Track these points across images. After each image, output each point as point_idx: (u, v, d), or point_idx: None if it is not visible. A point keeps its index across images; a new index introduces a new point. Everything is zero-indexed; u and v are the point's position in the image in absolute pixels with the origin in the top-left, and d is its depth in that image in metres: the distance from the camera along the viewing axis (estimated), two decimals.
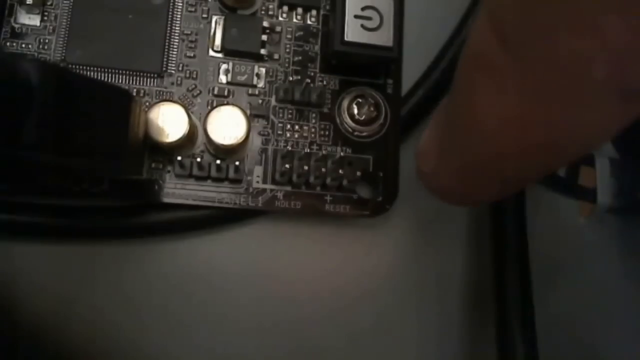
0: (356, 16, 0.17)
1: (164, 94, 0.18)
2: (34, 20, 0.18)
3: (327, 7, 0.19)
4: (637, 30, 0.09)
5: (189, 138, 0.17)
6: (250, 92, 0.18)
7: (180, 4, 0.18)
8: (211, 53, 0.18)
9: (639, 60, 0.09)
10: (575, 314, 0.20)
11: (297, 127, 0.19)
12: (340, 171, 0.18)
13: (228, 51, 0.18)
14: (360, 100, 0.19)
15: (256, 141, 0.18)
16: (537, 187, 0.19)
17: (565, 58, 0.09)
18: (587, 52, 0.09)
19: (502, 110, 0.11)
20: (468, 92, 0.12)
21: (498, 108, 0.11)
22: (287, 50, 0.19)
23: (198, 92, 0.18)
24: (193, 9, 0.18)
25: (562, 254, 0.21)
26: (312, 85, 0.19)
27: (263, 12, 0.19)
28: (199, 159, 0.17)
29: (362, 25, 0.17)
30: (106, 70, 0.18)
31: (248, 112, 0.18)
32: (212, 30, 0.18)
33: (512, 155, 0.11)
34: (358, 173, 0.18)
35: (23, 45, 0.18)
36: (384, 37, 0.17)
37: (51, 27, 0.18)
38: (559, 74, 0.10)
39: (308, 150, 0.18)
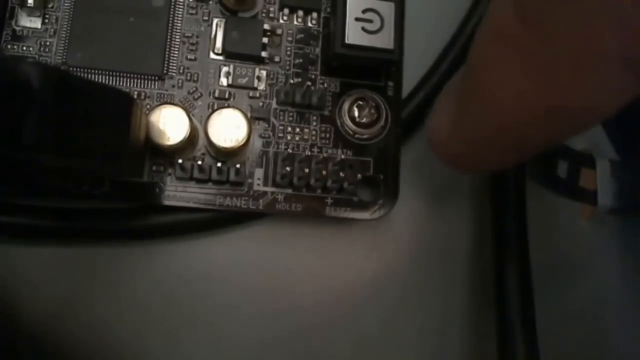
0: (357, 19, 0.17)
1: (165, 96, 0.18)
2: (35, 22, 0.18)
3: (328, 10, 0.19)
4: None
5: (190, 141, 0.17)
6: (251, 94, 0.18)
7: (181, 7, 0.18)
8: (212, 56, 0.18)
9: None
10: (576, 314, 0.20)
11: (297, 129, 0.19)
12: (341, 174, 0.18)
13: (229, 54, 0.18)
14: (361, 103, 0.19)
15: (257, 144, 0.18)
16: (538, 189, 0.19)
17: (580, 30, 0.10)
18: (601, 24, 0.10)
19: (517, 81, 0.11)
20: (485, 63, 0.12)
21: (514, 79, 0.11)
22: (288, 52, 0.19)
23: (199, 94, 0.18)
24: (194, 12, 0.18)
25: (563, 255, 0.21)
26: (312, 87, 0.19)
27: (264, 14, 0.19)
28: (199, 162, 0.17)
29: (362, 28, 0.17)
30: (107, 72, 0.18)
31: (249, 114, 0.18)
32: (213, 33, 0.18)
33: (525, 124, 0.12)
34: (359, 176, 0.18)
35: (24, 48, 0.18)
36: (384, 40, 0.17)
37: (52, 30, 0.18)
38: (573, 45, 0.10)
39: (309, 153, 0.18)
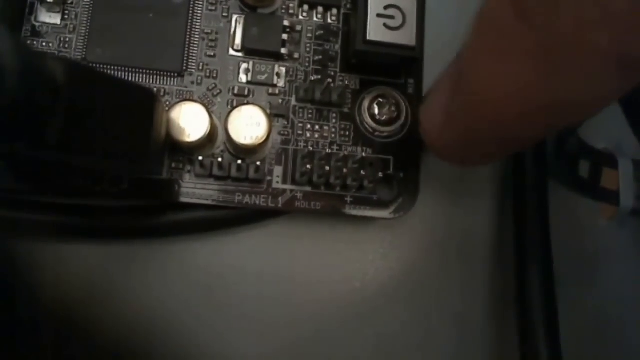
0: (379, 15, 0.17)
1: (184, 93, 0.18)
2: (54, 18, 0.18)
3: (348, 6, 0.19)
4: (636, 2, 0.09)
5: (210, 138, 0.17)
6: (270, 91, 0.18)
7: (201, 3, 0.18)
8: (231, 52, 0.18)
9: (636, 32, 0.10)
10: (598, 315, 0.20)
11: (317, 127, 0.18)
12: (361, 172, 0.18)
13: (248, 50, 0.18)
14: (381, 100, 0.18)
15: (276, 141, 0.18)
16: (560, 189, 0.19)
17: (572, 25, 0.10)
18: (592, 20, 0.10)
19: (511, 74, 0.11)
20: (479, 55, 0.13)
21: (507, 71, 0.12)
22: (308, 49, 0.19)
23: (218, 91, 0.18)
24: (213, 8, 0.18)
25: (584, 255, 0.20)
26: (332, 85, 0.19)
27: (283, 11, 0.19)
28: (219, 159, 0.17)
29: (384, 24, 0.17)
30: (126, 69, 0.17)
31: (268, 111, 0.18)
32: (233, 30, 0.18)
33: (515, 117, 0.12)
34: (379, 174, 0.18)
35: (43, 44, 0.17)
36: (406, 37, 0.17)
37: (72, 26, 0.18)
38: (566, 41, 0.10)
39: (329, 151, 0.18)
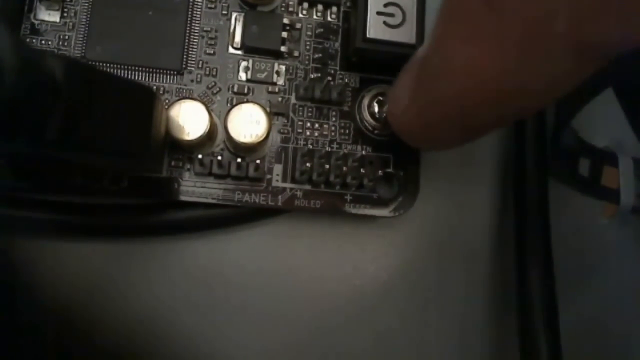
0: (378, 13, 0.17)
1: (184, 91, 0.18)
2: (53, 16, 0.18)
3: (348, 4, 0.19)
4: None
5: (209, 136, 0.17)
6: (269, 89, 0.18)
7: (200, 1, 0.18)
8: (231, 50, 0.18)
9: (594, 20, 0.10)
10: (599, 313, 0.20)
11: (317, 125, 0.18)
12: (361, 170, 0.18)
13: (248, 48, 0.18)
14: (381, 99, 0.18)
15: (276, 139, 0.18)
16: (560, 188, 0.19)
17: (533, 12, 0.10)
18: (553, 8, 0.10)
19: (472, 56, 0.12)
20: (443, 38, 0.13)
21: (469, 54, 0.12)
22: (307, 47, 0.19)
23: (218, 89, 0.18)
24: (213, 6, 0.18)
25: (586, 254, 0.20)
26: (332, 82, 0.19)
27: (283, 8, 0.19)
28: (219, 157, 0.17)
29: (384, 22, 0.17)
30: (126, 67, 0.17)
31: (268, 109, 0.18)
32: (232, 27, 0.18)
33: (475, 99, 0.12)
34: (379, 172, 0.18)
35: (43, 42, 0.17)
36: (406, 34, 0.17)
37: (71, 24, 0.18)
38: (527, 26, 0.11)
39: (328, 149, 0.18)
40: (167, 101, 0.17)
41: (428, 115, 0.14)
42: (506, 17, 0.11)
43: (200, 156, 0.17)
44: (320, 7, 0.19)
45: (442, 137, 0.15)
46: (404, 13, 0.17)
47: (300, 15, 0.19)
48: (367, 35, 0.17)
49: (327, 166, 0.18)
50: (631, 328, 0.20)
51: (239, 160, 0.17)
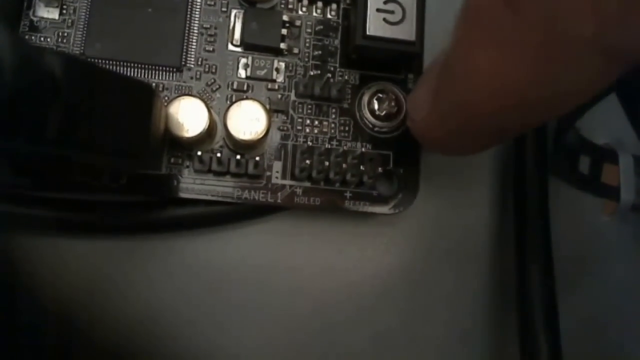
0: (378, 10, 0.17)
1: (183, 88, 0.18)
2: (52, 13, 0.18)
3: (347, 1, 0.19)
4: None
5: (209, 133, 0.17)
6: (269, 86, 0.18)
7: None
8: (230, 47, 0.18)
9: (621, 24, 0.10)
10: (599, 311, 0.20)
11: (316, 122, 0.18)
12: (361, 167, 0.18)
13: (247, 45, 0.18)
14: (380, 96, 0.18)
15: (275, 136, 0.18)
16: (560, 185, 0.19)
17: (557, 13, 0.10)
18: (579, 10, 0.10)
19: (496, 62, 0.11)
20: (467, 44, 0.12)
21: (492, 61, 0.12)
22: (307, 44, 0.19)
23: (217, 86, 0.18)
24: (212, 3, 0.18)
25: (586, 252, 0.20)
26: (332, 80, 0.18)
27: (282, 5, 0.19)
28: (218, 154, 0.17)
29: (384, 19, 0.17)
30: (125, 64, 0.17)
31: (267, 106, 0.18)
32: (232, 24, 0.18)
33: (500, 105, 0.12)
34: (379, 169, 0.18)
35: (42, 39, 0.17)
36: (406, 32, 0.17)
37: (70, 21, 0.18)
38: (552, 31, 0.10)
39: (328, 146, 0.18)
40: (166, 98, 0.17)
41: (450, 122, 0.14)
42: (530, 21, 0.11)
43: (199, 153, 0.17)
44: (319, 4, 0.19)
45: (465, 143, 0.15)
46: (403, 10, 0.17)
47: (300, 12, 0.19)
48: (367, 33, 0.17)
49: (326, 163, 0.18)
50: (631, 327, 0.20)
51: (238, 157, 0.17)
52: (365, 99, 0.18)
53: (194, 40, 0.18)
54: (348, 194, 0.18)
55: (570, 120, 0.20)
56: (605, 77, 0.11)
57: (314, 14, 0.19)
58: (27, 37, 0.17)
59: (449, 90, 0.14)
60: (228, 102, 0.18)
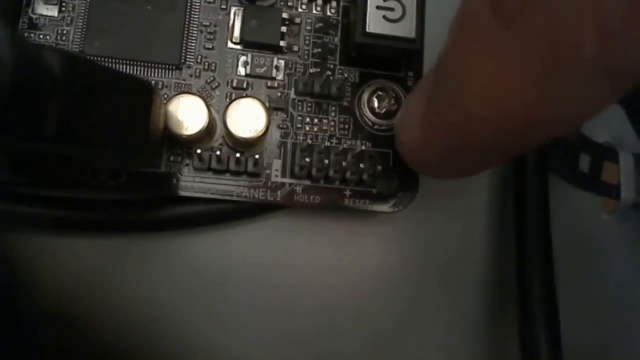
0: (378, 7, 0.17)
1: (182, 86, 0.18)
2: (51, 11, 0.17)
3: None
4: (628, 17, 0.09)
5: (208, 131, 0.17)
6: (269, 84, 0.18)
7: None
8: (230, 45, 0.18)
9: (624, 44, 0.09)
10: (599, 311, 0.20)
11: (316, 120, 0.18)
12: (361, 165, 0.18)
13: (247, 43, 0.18)
14: (380, 94, 0.18)
15: (275, 134, 0.18)
16: (561, 183, 0.19)
17: (558, 32, 0.09)
18: (580, 29, 0.09)
19: (490, 79, 0.11)
20: (457, 59, 0.11)
21: (486, 76, 0.11)
22: (307, 42, 0.19)
23: (217, 84, 0.18)
24: (212, 0, 0.18)
25: (586, 250, 0.20)
26: (331, 77, 0.18)
27: (282, 3, 0.19)
28: (218, 152, 0.17)
29: (384, 17, 0.17)
30: (124, 61, 0.17)
31: (267, 104, 0.18)
32: (231, 22, 0.18)
33: (496, 128, 0.11)
34: (378, 167, 0.18)
35: (41, 37, 0.17)
36: (406, 29, 0.17)
37: (69, 18, 0.17)
38: (550, 47, 0.09)
39: (328, 144, 0.18)
40: (165, 96, 0.17)
41: (442, 144, 0.13)
42: (523, 35, 0.10)
43: (199, 151, 0.17)
44: (319, 1, 0.19)
45: (459, 166, 0.14)
46: (403, 7, 0.17)
47: (300, 9, 0.19)
48: (367, 30, 0.17)
49: (326, 161, 0.18)
50: (631, 326, 0.20)
51: (237, 155, 0.17)
52: (365, 96, 0.18)
53: (194, 38, 0.18)
54: (348, 192, 0.18)
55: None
56: (612, 97, 0.10)
57: (314, 11, 0.19)
58: (26, 34, 0.17)
59: (438, 111, 0.12)
60: (227, 99, 0.18)
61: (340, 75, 0.19)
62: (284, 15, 0.18)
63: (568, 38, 0.09)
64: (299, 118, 0.18)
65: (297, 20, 0.19)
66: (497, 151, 0.12)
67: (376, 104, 0.18)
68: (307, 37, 0.19)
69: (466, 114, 0.11)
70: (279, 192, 0.18)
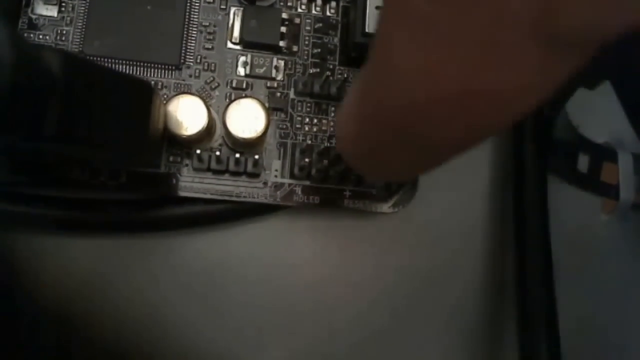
0: (377, 7, 0.17)
1: (182, 86, 0.18)
2: (51, 11, 0.18)
3: None
4: None
5: (208, 131, 0.17)
6: (268, 84, 0.18)
7: None
8: (229, 45, 0.18)
9: (564, 7, 0.08)
10: (599, 311, 0.20)
11: (315, 120, 0.18)
12: None
13: (247, 43, 0.18)
14: None
15: (275, 135, 0.18)
16: (559, 183, 0.19)
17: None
18: None
19: (424, 58, 0.10)
20: (384, 42, 0.11)
21: (420, 56, 0.10)
22: (306, 42, 0.19)
23: (216, 84, 0.18)
24: (211, 0, 0.18)
25: (585, 250, 0.20)
26: (331, 78, 0.18)
27: (282, 3, 0.19)
28: (217, 153, 0.17)
29: None
30: (124, 62, 0.17)
31: (266, 105, 0.18)
32: (231, 22, 0.18)
33: (427, 109, 0.10)
34: None
35: (40, 37, 0.17)
36: None
37: (69, 18, 0.17)
38: (481, 13, 0.08)
39: (327, 145, 0.18)
40: (165, 96, 0.17)
41: (371, 136, 0.12)
42: (449, 3, 0.09)
43: (198, 151, 0.17)
44: (319, 1, 0.19)
45: (392, 163, 0.13)
46: None
47: (299, 10, 0.19)
48: (366, 30, 0.17)
49: (325, 161, 0.18)
50: (631, 325, 0.20)
51: (237, 155, 0.17)
52: None
53: (193, 38, 0.18)
54: (347, 192, 0.18)
55: (557, 108, 0.19)
56: (556, 71, 0.09)
57: (313, 11, 0.19)
58: (25, 34, 0.17)
59: (370, 97, 0.12)
60: (227, 100, 0.18)
61: (339, 76, 0.19)
62: (284, 15, 0.18)
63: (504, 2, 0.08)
64: (299, 118, 0.18)
65: (297, 20, 0.19)
66: (437, 139, 0.11)
67: None
68: (307, 38, 0.19)
69: (397, 95, 0.10)
70: (278, 193, 0.18)
